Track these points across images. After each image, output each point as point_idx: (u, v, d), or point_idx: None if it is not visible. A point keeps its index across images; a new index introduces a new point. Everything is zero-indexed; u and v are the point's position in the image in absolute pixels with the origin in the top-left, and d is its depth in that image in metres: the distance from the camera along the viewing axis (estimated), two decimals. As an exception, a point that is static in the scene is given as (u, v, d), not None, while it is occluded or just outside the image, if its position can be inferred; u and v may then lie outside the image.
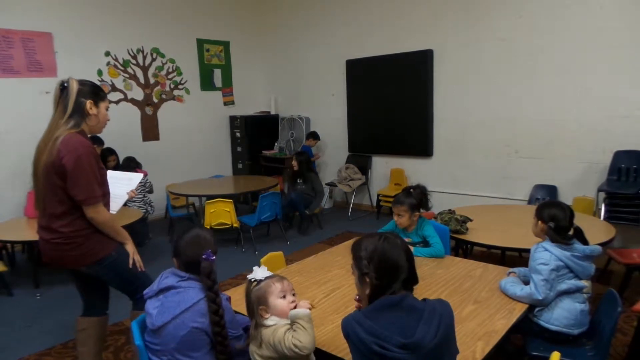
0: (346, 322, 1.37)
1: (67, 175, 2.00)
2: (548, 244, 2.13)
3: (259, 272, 1.68)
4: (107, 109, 2.22)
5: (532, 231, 2.28)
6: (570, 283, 2.09)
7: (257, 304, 1.62)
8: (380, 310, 1.35)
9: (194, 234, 1.83)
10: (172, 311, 1.69)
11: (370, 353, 1.28)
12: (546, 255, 2.09)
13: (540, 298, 2.02)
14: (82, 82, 2.12)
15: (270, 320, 1.60)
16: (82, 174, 2.00)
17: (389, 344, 1.26)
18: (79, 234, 2.09)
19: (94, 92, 2.14)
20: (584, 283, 2.11)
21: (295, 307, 1.63)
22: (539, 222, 2.21)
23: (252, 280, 1.66)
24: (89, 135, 2.17)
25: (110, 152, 5.43)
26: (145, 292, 1.82)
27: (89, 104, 2.10)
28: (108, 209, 2.19)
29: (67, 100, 2.06)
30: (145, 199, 5.26)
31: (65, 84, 2.07)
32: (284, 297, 1.64)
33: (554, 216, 2.15)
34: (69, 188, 2.01)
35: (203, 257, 1.73)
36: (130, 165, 5.30)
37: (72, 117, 2.07)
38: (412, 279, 1.43)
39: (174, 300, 1.72)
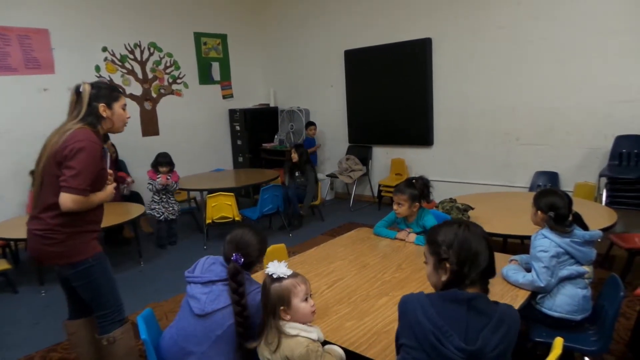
0: (408, 300, 1.34)
1: (63, 163, 1.99)
2: (547, 231, 2.13)
3: (280, 268, 1.60)
4: (123, 108, 2.23)
5: (532, 220, 2.28)
6: (571, 269, 2.09)
7: (278, 303, 1.56)
8: (448, 301, 1.31)
9: (236, 232, 1.86)
10: (225, 299, 1.69)
11: (424, 340, 1.25)
12: (546, 242, 2.09)
13: (542, 285, 2.03)
14: (95, 85, 2.14)
15: (292, 329, 1.55)
16: (77, 164, 1.98)
17: (447, 340, 1.23)
18: (61, 230, 2.06)
19: (107, 94, 2.16)
20: (586, 268, 2.11)
21: (314, 312, 1.62)
22: (539, 211, 2.21)
23: (274, 276, 1.60)
24: (102, 134, 2.19)
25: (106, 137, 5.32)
26: (186, 273, 1.82)
27: (101, 107, 2.13)
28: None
29: (81, 105, 2.10)
30: (174, 202, 5.18)
31: (80, 89, 2.11)
32: (306, 299, 1.61)
33: (552, 205, 2.14)
34: (62, 173, 2.00)
35: (232, 258, 1.73)
36: (158, 160, 5.00)
37: (86, 119, 2.10)
38: (490, 270, 1.39)
39: (225, 290, 1.72)
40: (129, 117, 2.29)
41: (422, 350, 1.27)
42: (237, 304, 1.67)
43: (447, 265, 1.36)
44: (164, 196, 5.04)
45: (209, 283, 1.74)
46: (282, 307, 1.56)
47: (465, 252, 1.35)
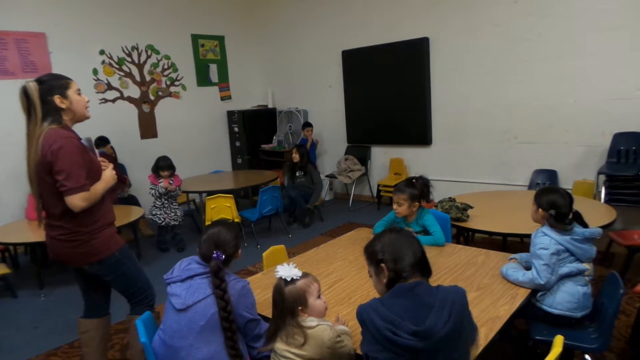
0: (362, 309, 1.44)
1: (52, 170, 1.97)
2: (547, 229, 2.14)
3: (292, 271, 1.66)
4: (79, 93, 2.13)
5: (532, 217, 2.29)
6: (571, 266, 2.09)
7: (296, 304, 1.61)
8: (395, 297, 1.42)
9: (212, 230, 1.88)
10: (205, 291, 1.74)
11: (383, 339, 1.34)
12: (546, 240, 2.10)
13: (542, 282, 2.03)
14: (41, 80, 2.05)
15: (312, 321, 1.60)
16: (63, 164, 1.95)
17: (400, 330, 1.32)
18: (82, 230, 2.08)
19: (57, 84, 2.06)
20: (586, 266, 2.12)
21: (327, 307, 1.72)
22: (539, 209, 2.21)
23: (287, 278, 1.65)
24: (72, 126, 2.14)
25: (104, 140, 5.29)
26: (165, 276, 1.84)
27: (57, 100, 2.04)
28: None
29: (34, 105, 2.01)
30: (176, 207, 5.04)
31: (27, 90, 2.01)
32: (319, 297, 1.68)
33: (554, 203, 2.14)
34: (56, 180, 1.98)
35: (213, 256, 1.78)
36: (159, 164, 4.84)
37: (46, 118, 2.02)
38: (424, 266, 1.53)
39: (203, 283, 1.77)
40: (88, 100, 2.19)
41: (384, 349, 1.35)
42: (220, 298, 1.72)
43: (384, 265, 1.49)
44: (166, 201, 4.93)
45: (187, 279, 1.79)
46: (300, 307, 1.62)
47: (397, 250, 1.50)
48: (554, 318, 2.10)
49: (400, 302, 1.39)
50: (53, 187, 2.01)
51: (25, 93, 2.02)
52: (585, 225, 2.17)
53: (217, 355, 1.70)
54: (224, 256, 1.79)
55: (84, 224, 2.08)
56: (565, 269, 2.09)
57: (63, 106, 2.06)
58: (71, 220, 2.06)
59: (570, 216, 2.16)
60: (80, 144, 2.08)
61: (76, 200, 1.98)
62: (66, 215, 2.05)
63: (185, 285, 1.78)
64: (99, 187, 2.12)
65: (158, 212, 4.92)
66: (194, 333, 1.70)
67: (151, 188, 4.89)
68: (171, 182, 4.88)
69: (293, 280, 1.64)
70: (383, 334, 1.33)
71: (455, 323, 1.33)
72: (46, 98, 2.02)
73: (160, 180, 4.85)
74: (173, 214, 4.96)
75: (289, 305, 1.61)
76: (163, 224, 4.93)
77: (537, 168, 5.05)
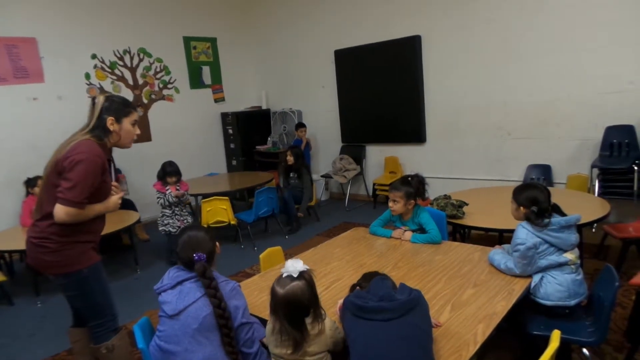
0: (345, 297, 1.69)
1: (62, 174, 1.98)
2: (525, 223, 2.19)
3: (299, 263, 1.66)
4: (133, 124, 2.22)
5: (513, 216, 2.30)
6: (551, 259, 2.13)
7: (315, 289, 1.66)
8: (369, 286, 1.69)
9: (184, 237, 1.88)
10: (194, 294, 1.75)
11: (355, 308, 1.56)
12: (523, 233, 2.15)
13: (517, 272, 2.12)
14: (109, 98, 2.14)
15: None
16: (75, 176, 1.96)
17: (369, 299, 1.56)
18: (56, 239, 2.04)
19: (118, 108, 2.15)
20: (567, 257, 2.13)
21: None
22: (520, 207, 2.23)
23: (305, 269, 1.65)
24: (110, 146, 2.20)
25: None
26: (155, 287, 1.84)
27: (109, 120, 2.11)
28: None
29: (92, 115, 2.11)
30: (187, 213, 4.79)
31: (95, 100, 2.13)
32: None
33: (534, 199, 2.17)
34: (59, 184, 1.98)
35: (195, 258, 1.78)
36: (166, 170, 4.55)
37: (93, 131, 2.10)
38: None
39: (194, 287, 1.77)
40: (138, 134, 2.27)
41: (356, 317, 1.55)
42: (213, 297, 1.73)
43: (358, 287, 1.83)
44: (177, 208, 4.65)
45: (177, 285, 1.80)
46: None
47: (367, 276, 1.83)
48: (549, 309, 2.13)
49: (371, 286, 1.66)
50: (53, 189, 2.01)
51: (93, 102, 2.14)
52: (564, 215, 2.19)
53: (212, 358, 1.70)
54: (204, 255, 1.80)
55: (59, 233, 2.04)
56: (544, 262, 2.13)
57: (111, 128, 2.14)
58: (50, 225, 2.04)
59: (550, 209, 2.19)
60: (104, 164, 2.10)
61: (62, 212, 1.96)
62: (49, 219, 2.03)
63: (176, 291, 1.78)
64: (95, 209, 2.11)
65: (171, 222, 4.60)
66: (188, 337, 1.71)
67: (159, 197, 4.54)
68: (178, 187, 4.61)
69: (307, 270, 1.67)
70: (355, 304, 1.56)
71: (413, 298, 1.55)
72: (102, 115, 2.11)
73: (168, 188, 4.56)
74: (186, 221, 4.69)
75: (314, 292, 1.64)
76: (178, 232, 4.68)
77: (532, 163, 5.07)
